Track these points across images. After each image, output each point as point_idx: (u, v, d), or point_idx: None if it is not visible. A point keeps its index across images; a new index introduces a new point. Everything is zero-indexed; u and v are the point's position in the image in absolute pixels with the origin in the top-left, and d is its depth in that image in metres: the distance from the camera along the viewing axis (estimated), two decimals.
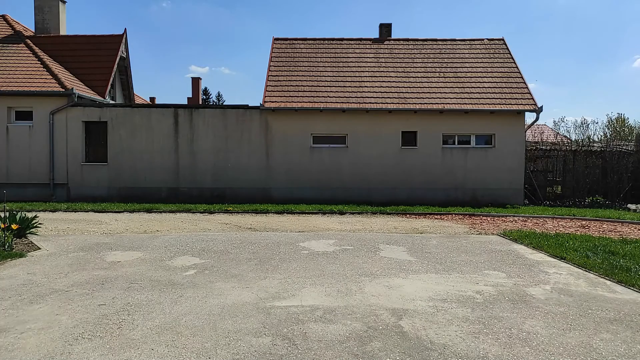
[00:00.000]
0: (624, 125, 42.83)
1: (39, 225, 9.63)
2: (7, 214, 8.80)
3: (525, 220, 13.50)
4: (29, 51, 18.97)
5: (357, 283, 6.27)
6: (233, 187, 17.31)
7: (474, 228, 11.78)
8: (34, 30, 21.48)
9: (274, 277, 6.56)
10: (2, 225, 8.15)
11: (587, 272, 7.05)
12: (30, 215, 9.70)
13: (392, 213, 14.54)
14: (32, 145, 17.06)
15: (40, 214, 12.28)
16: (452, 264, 7.54)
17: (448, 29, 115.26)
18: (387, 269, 7.09)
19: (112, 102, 20.64)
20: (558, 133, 22.04)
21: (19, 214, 9.23)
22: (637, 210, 17.46)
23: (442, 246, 9.11)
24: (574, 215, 14.38)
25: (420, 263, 7.56)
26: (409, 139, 17.56)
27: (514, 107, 17.31)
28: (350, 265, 7.30)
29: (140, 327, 4.56)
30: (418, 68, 19.32)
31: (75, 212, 14.02)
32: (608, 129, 36.31)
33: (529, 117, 19.19)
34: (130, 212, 14.18)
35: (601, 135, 23.71)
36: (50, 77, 17.62)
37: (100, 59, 20.45)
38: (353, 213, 14.45)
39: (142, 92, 57.97)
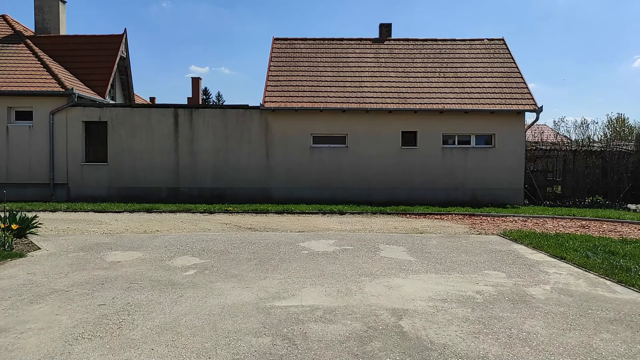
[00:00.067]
0: (624, 125, 42.83)
1: (39, 225, 9.63)
2: (7, 214, 8.81)
3: (525, 220, 13.50)
4: (29, 51, 18.97)
5: (357, 283, 6.27)
6: (233, 187, 17.31)
7: (474, 228, 11.78)
8: (34, 30, 21.48)
9: (274, 277, 6.56)
10: (2, 225, 8.15)
11: (587, 272, 7.05)
12: (30, 215, 9.70)
13: (392, 213, 14.54)
14: (32, 145, 17.06)
15: (40, 214, 12.28)
16: (452, 264, 7.54)
17: (448, 29, 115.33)
18: (387, 269, 7.09)
19: (112, 102, 20.65)
20: (558, 133, 22.04)
21: (19, 214, 9.24)
22: (637, 210, 17.46)
23: (442, 246, 9.11)
24: (574, 215, 14.38)
25: (420, 263, 7.56)
26: (409, 139, 17.56)
27: (514, 107, 17.32)
28: (350, 265, 7.30)
29: (140, 327, 4.56)
30: (418, 68, 19.32)
31: (75, 212, 14.02)
32: (608, 129, 36.30)
33: (529, 117, 19.21)
34: (130, 212, 14.19)
35: (601, 135, 23.71)
36: (50, 77, 17.62)
37: (100, 59, 20.45)
38: (353, 213, 14.45)
39: (142, 92, 57.99)
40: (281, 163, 17.35)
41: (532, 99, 17.66)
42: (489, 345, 4.24)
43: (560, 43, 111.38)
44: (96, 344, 4.14)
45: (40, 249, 8.32)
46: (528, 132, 19.65)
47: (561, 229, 11.69)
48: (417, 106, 17.30)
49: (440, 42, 20.77)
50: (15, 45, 19.30)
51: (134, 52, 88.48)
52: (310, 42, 20.81)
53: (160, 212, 14.22)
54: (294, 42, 20.82)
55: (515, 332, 4.57)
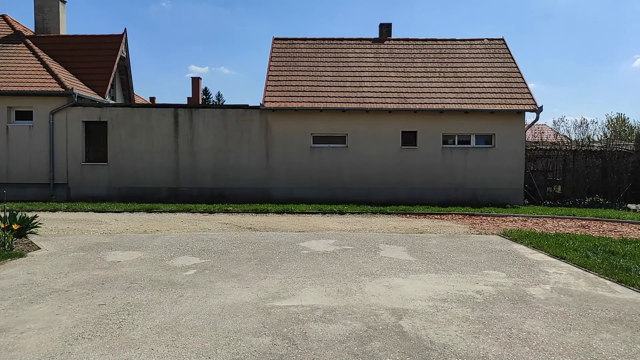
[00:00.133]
0: (624, 125, 42.83)
1: (39, 225, 9.63)
2: (8, 214, 8.81)
3: (525, 220, 13.50)
4: (29, 51, 18.97)
5: (357, 283, 6.28)
6: (233, 187, 17.31)
7: (474, 228, 11.78)
8: (34, 30, 21.48)
9: (274, 277, 6.56)
10: (3, 225, 8.15)
11: (587, 272, 7.05)
12: (30, 215, 9.71)
13: (392, 213, 14.54)
14: (32, 145, 17.06)
15: (40, 214, 12.28)
16: (452, 263, 7.54)
17: (448, 29, 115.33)
18: (387, 269, 7.09)
19: (112, 102, 20.65)
20: (558, 133, 22.04)
21: (19, 213, 9.24)
22: (637, 210, 17.46)
23: (442, 246, 9.11)
24: (574, 215, 14.38)
25: (420, 263, 7.56)
26: (409, 138, 17.56)
27: (514, 107, 17.32)
28: (350, 265, 7.30)
29: (140, 327, 4.56)
30: (418, 68, 19.32)
31: (75, 212, 14.03)
32: (608, 128, 36.34)
33: (529, 117, 19.22)
34: (130, 212, 14.19)
35: (601, 135, 23.72)
36: (50, 77, 17.62)
37: (100, 59, 20.45)
38: (353, 213, 14.45)
39: (142, 92, 57.98)
40: (281, 163, 17.35)
41: (532, 98, 17.66)
42: (489, 345, 4.24)
43: (560, 43, 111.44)
44: (96, 344, 4.14)
45: (40, 248, 8.32)
46: (528, 132, 19.65)
47: (561, 229, 11.69)
48: (417, 106, 17.30)
49: (440, 42, 20.77)
50: (15, 45, 19.30)
51: (134, 52, 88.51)
52: (310, 42, 20.81)
53: (160, 212, 14.22)
54: (294, 42, 20.82)
55: (515, 332, 4.57)
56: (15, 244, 8.36)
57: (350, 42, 20.80)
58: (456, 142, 17.73)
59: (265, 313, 5.01)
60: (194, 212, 14.20)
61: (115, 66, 20.80)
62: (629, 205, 18.98)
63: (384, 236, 10.25)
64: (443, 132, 17.51)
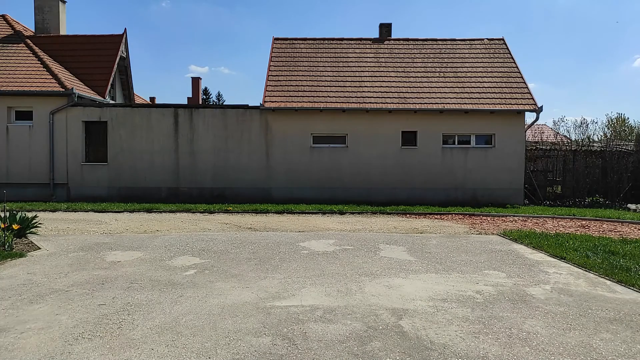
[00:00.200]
0: (624, 125, 42.82)
1: (39, 225, 9.63)
2: (8, 214, 8.80)
3: (525, 220, 13.50)
4: (29, 51, 18.97)
5: (357, 283, 6.27)
6: (233, 187, 17.31)
7: (474, 228, 11.78)
8: (34, 30, 21.48)
9: (274, 277, 6.56)
10: (3, 225, 8.15)
11: (587, 272, 7.05)
12: (30, 215, 9.71)
13: (392, 213, 14.54)
14: (32, 145, 17.06)
15: (40, 214, 12.28)
16: (452, 263, 7.54)
17: (448, 29, 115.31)
18: (387, 269, 7.09)
19: (112, 102, 20.65)
20: (558, 133, 22.04)
21: (19, 213, 9.24)
22: (637, 210, 17.46)
23: (442, 246, 9.11)
24: (574, 215, 14.38)
25: (420, 263, 7.56)
26: (409, 138, 17.56)
27: (514, 107, 17.32)
28: (350, 265, 7.30)
29: (140, 327, 4.56)
30: (418, 68, 19.32)
31: (75, 212, 14.03)
32: (608, 128, 36.35)
33: (529, 117, 19.23)
34: (130, 212, 14.19)
35: (601, 135, 23.75)
36: (50, 77, 17.62)
37: (100, 59, 20.46)
38: (353, 213, 14.45)
39: (142, 92, 57.99)
40: (281, 163, 17.35)
41: (532, 98, 17.66)
42: (489, 345, 4.24)
43: (560, 43, 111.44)
44: (96, 344, 4.14)
45: (40, 248, 8.32)
46: (528, 132, 19.65)
47: (561, 229, 11.69)
48: (417, 106, 17.30)
49: (440, 42, 20.77)
50: (15, 45, 19.30)
51: (134, 52, 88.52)
52: (310, 42, 20.81)
53: (160, 212, 14.22)
54: (294, 42, 20.82)
55: (515, 332, 4.57)
56: (15, 244, 8.37)
57: (350, 42, 20.80)
58: (456, 142, 17.73)
59: (265, 313, 5.01)
60: (194, 212, 14.20)
61: (115, 66, 20.80)
62: (629, 205, 18.98)
63: (384, 236, 10.25)
64: (443, 132, 17.51)
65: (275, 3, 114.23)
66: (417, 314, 5.06)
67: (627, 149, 20.49)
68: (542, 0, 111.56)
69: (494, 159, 17.46)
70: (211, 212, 14.23)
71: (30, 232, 9.30)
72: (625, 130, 40.99)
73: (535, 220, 13.51)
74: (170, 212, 14.24)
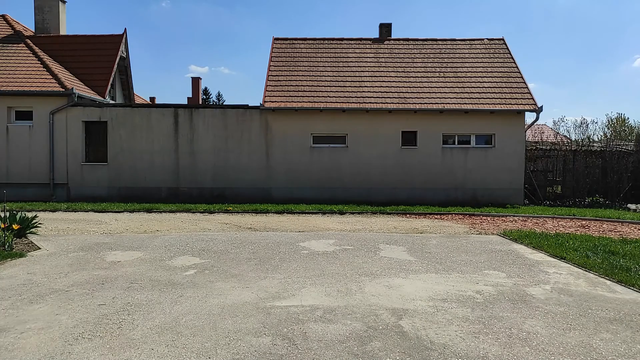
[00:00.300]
0: (624, 125, 42.81)
1: (39, 225, 9.63)
2: (8, 214, 8.80)
3: (525, 220, 13.50)
4: (29, 51, 18.97)
5: (357, 283, 6.27)
6: (233, 187, 17.31)
7: (474, 228, 11.78)
8: (34, 30, 21.48)
9: (274, 277, 6.56)
10: (3, 225, 8.15)
11: (587, 272, 7.05)
12: (30, 215, 9.71)
13: (392, 213, 14.54)
14: (32, 145, 17.06)
15: (40, 214, 12.28)
16: (452, 263, 7.54)
17: (448, 29, 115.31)
18: (387, 269, 7.09)
19: (112, 102, 20.65)
20: (558, 133, 22.05)
21: (19, 213, 9.24)
22: (637, 210, 17.46)
23: (442, 246, 9.11)
24: (574, 215, 14.38)
25: (420, 263, 7.56)
26: (409, 138, 17.56)
27: (514, 107, 17.31)
28: (350, 265, 7.30)
29: (140, 327, 4.56)
30: (418, 68, 19.32)
31: (75, 212, 14.03)
32: (608, 128, 36.34)
33: (529, 117, 19.23)
34: (130, 212, 14.19)
35: (601, 135, 23.75)
36: (50, 77, 17.62)
37: (100, 59, 20.46)
38: (353, 213, 14.45)
39: (142, 92, 57.99)
40: (281, 163, 17.36)
41: (532, 98, 17.66)
42: (489, 345, 4.24)
43: (560, 43, 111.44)
44: (96, 344, 4.14)
45: (40, 248, 8.32)
46: (528, 132, 19.65)
47: (561, 229, 11.69)
48: (417, 106, 17.30)
49: (440, 42, 20.77)
50: (15, 45, 19.30)
51: (134, 52, 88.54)
52: (310, 42, 20.81)
53: (160, 212, 14.22)
54: (294, 42, 20.82)
55: (515, 332, 4.57)
56: (15, 244, 8.36)
57: (350, 42, 20.80)
58: (456, 142, 17.73)
59: (265, 313, 5.01)
60: (194, 212, 14.20)
61: (115, 66, 20.80)
62: (629, 205, 18.98)
63: (384, 236, 10.25)
64: (443, 132, 17.51)
65: (275, 3, 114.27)
66: (417, 314, 5.06)
67: (627, 149, 20.49)
68: (542, 0, 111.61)
69: (494, 159, 17.46)
70: (211, 212, 14.23)
71: (30, 232, 9.30)
72: (625, 130, 40.99)
73: (535, 220, 13.51)
74: (170, 212, 14.24)
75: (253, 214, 14.09)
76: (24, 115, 17.27)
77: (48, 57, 19.15)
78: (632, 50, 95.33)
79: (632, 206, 18.74)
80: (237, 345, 4.14)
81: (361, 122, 17.38)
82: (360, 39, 20.93)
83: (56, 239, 9.39)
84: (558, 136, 21.71)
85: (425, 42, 20.78)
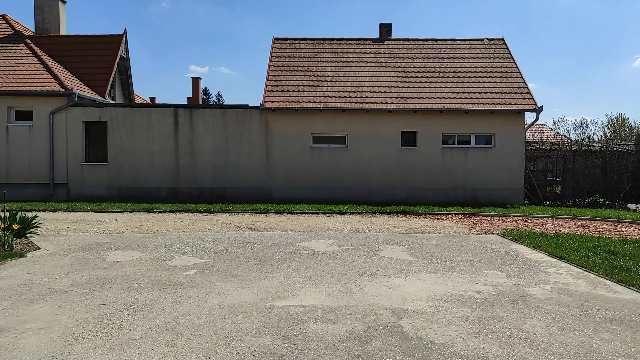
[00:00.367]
0: (624, 125, 42.81)
1: (39, 225, 9.63)
2: (8, 214, 8.80)
3: (525, 220, 13.50)
4: (29, 51, 18.97)
5: (357, 283, 6.27)
6: (233, 187, 17.31)
7: (474, 228, 11.78)
8: (34, 30, 21.48)
9: (274, 277, 6.56)
10: (3, 225, 8.15)
11: (587, 272, 7.05)
12: (30, 215, 9.71)
13: (392, 213, 14.54)
14: (32, 145, 17.06)
15: (40, 214, 12.28)
16: (452, 263, 7.54)
17: (448, 28, 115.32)
18: (387, 269, 7.09)
19: (112, 102, 20.65)
20: (558, 133, 22.05)
21: (19, 213, 9.24)
22: (637, 210, 17.46)
23: (442, 246, 9.11)
24: (574, 215, 14.38)
25: (420, 263, 7.56)
26: (409, 138, 17.56)
27: (514, 107, 17.31)
28: (350, 265, 7.30)
29: (140, 327, 4.56)
30: (418, 68, 19.32)
31: (75, 212, 14.03)
32: (608, 128, 36.34)
33: (529, 117, 19.23)
34: (130, 212, 14.19)
35: (601, 135, 23.76)
36: (50, 77, 17.62)
37: (100, 59, 20.46)
38: (353, 213, 14.45)
39: (142, 92, 57.99)
40: (281, 163, 17.36)
41: (532, 98, 17.66)
42: (489, 345, 4.24)
43: (560, 43, 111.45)
44: (96, 344, 4.14)
45: (40, 248, 8.32)
46: (528, 132, 19.65)
47: (561, 229, 11.69)
48: (417, 106, 17.30)
49: (440, 42, 20.77)
50: (15, 45, 19.30)
51: (134, 52, 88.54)
52: (310, 42, 20.81)
53: (160, 212, 14.22)
54: (294, 42, 20.82)
55: (515, 332, 4.57)
56: (15, 244, 8.36)
57: (350, 42, 20.80)
58: (456, 142, 17.73)
59: (265, 313, 5.01)
60: (194, 212, 14.20)
61: (115, 66, 20.80)
62: (629, 205, 18.98)
63: (384, 236, 10.25)
64: (443, 132, 17.51)
65: (275, 3, 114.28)
66: (417, 314, 5.06)
67: (627, 149, 20.49)
68: (542, 0, 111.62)
69: (494, 159, 17.47)
70: (211, 212, 14.23)
71: (30, 232, 9.30)
72: (625, 130, 40.99)
73: (535, 220, 13.51)
74: (170, 212, 14.24)
75: (253, 214, 14.10)
76: (24, 115, 17.27)
77: (48, 57, 19.15)
78: (632, 50, 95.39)
79: (632, 206, 18.73)
80: (237, 345, 4.14)
81: (361, 122, 17.38)
82: (360, 39, 20.93)
83: (56, 239, 9.39)
84: (558, 136, 21.71)
85: (425, 42, 20.78)
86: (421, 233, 10.83)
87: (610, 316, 5.07)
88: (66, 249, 8.39)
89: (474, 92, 17.99)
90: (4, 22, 20.85)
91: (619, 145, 21.27)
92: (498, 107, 17.24)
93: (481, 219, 13.76)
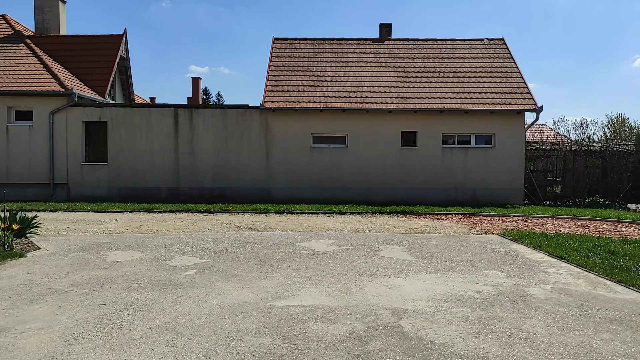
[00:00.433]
0: (624, 125, 42.80)
1: (39, 225, 9.63)
2: (8, 214, 8.80)
3: (525, 220, 13.50)
4: (29, 51, 18.97)
5: (357, 283, 6.27)
6: (233, 187, 17.31)
7: (474, 228, 11.78)
8: (34, 30, 21.48)
9: (274, 277, 6.56)
10: (3, 225, 8.15)
11: (587, 272, 7.05)
12: (30, 215, 9.70)
13: (392, 213, 14.53)
14: (32, 145, 17.06)
15: (40, 214, 12.28)
16: (452, 263, 7.54)
17: (448, 28, 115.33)
18: (387, 269, 7.09)
19: (112, 102, 20.65)
20: (558, 133, 22.05)
21: (19, 213, 9.24)
22: (637, 210, 17.46)
23: (442, 246, 9.11)
24: (574, 215, 14.38)
25: (420, 263, 7.56)
26: (409, 138, 17.56)
27: (514, 107, 17.31)
28: (350, 265, 7.30)
29: (140, 327, 4.56)
30: (418, 68, 19.32)
31: (75, 212, 14.02)
32: (608, 128, 36.33)
33: (529, 117, 19.23)
34: (130, 212, 14.19)
35: (601, 135, 23.76)
36: (50, 77, 17.62)
37: (100, 59, 20.46)
38: (353, 213, 14.45)
39: (142, 92, 58.00)
40: (281, 163, 17.35)
41: (532, 98, 17.66)
42: (489, 345, 4.24)
43: (560, 43, 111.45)
44: (96, 344, 4.14)
45: (40, 248, 8.32)
46: (528, 132, 19.65)
47: (561, 229, 11.68)
48: (417, 106, 17.29)
49: (440, 42, 20.77)
50: (15, 45, 19.30)
51: (134, 52, 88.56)
52: (310, 42, 20.81)
53: (160, 212, 14.22)
54: (294, 42, 20.82)
55: (515, 332, 4.57)
56: (15, 244, 8.36)
57: (350, 42, 20.80)
58: (456, 142, 17.73)
59: (265, 313, 5.00)
60: (194, 212, 14.20)
61: (115, 66, 20.80)
62: (629, 205, 18.98)
63: (384, 236, 10.25)
64: (443, 132, 17.51)
65: (275, 3, 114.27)
66: (417, 314, 5.06)
67: (627, 149, 20.49)
68: (542, 0, 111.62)
69: (494, 159, 17.47)
70: (211, 212, 14.23)
71: (30, 232, 9.30)
72: (625, 130, 40.98)
73: (535, 220, 13.51)
74: (170, 212, 14.24)
75: (253, 214, 14.09)
76: (24, 115, 17.27)
77: (48, 57, 19.15)
78: (632, 50, 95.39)
79: (632, 206, 18.73)
80: (237, 345, 4.14)
81: (361, 122, 17.38)
82: (360, 39, 20.93)
83: (56, 239, 9.39)
84: (558, 136, 21.71)
85: (425, 42, 20.78)
86: (421, 233, 10.83)
87: (610, 316, 5.07)
88: (66, 249, 8.39)
89: (474, 92, 17.99)
90: (4, 22, 20.85)
91: (619, 145, 21.27)
92: (498, 107, 17.24)
93: (481, 219, 13.76)
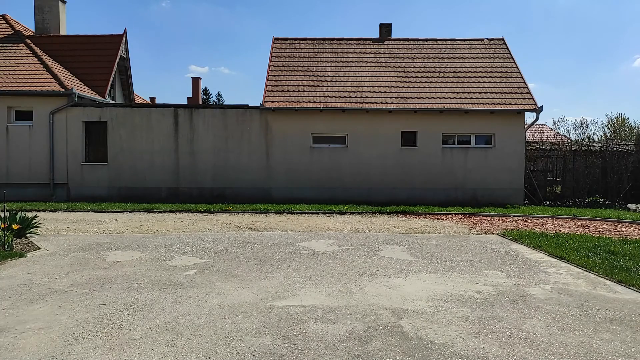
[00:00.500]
0: (624, 125, 42.80)
1: (39, 225, 9.63)
2: (8, 214, 8.80)
3: (525, 220, 13.50)
4: (29, 51, 18.97)
5: (357, 283, 6.27)
6: (233, 187, 17.31)
7: (474, 228, 11.78)
8: (34, 30, 21.48)
9: (274, 277, 6.56)
10: (3, 225, 8.15)
11: (587, 272, 7.05)
12: (30, 215, 9.71)
13: (392, 213, 14.53)
14: (32, 145, 17.06)
15: (40, 214, 12.28)
16: (452, 263, 7.54)
17: (448, 28, 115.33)
18: (387, 269, 7.09)
19: (112, 102, 20.65)
20: (558, 133, 22.05)
21: (19, 213, 9.24)
22: (637, 210, 17.46)
23: (442, 246, 9.11)
24: (574, 215, 14.38)
25: (420, 263, 7.56)
26: (409, 138, 17.56)
27: (514, 107, 17.32)
28: (350, 265, 7.30)
29: (140, 327, 4.56)
30: (418, 68, 19.32)
31: (75, 212, 14.02)
32: (608, 128, 36.36)
33: (529, 117, 19.23)
34: (130, 212, 14.19)
35: (601, 135, 23.76)
36: (50, 77, 17.62)
37: (100, 59, 20.46)
38: (353, 213, 14.45)
39: (142, 92, 58.01)
40: (281, 163, 17.35)
41: (532, 98, 17.66)
42: (489, 345, 4.24)
43: (560, 43, 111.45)
44: (96, 344, 4.14)
45: (40, 248, 8.32)
46: (528, 132, 19.65)
47: (561, 229, 11.68)
48: (417, 106, 17.29)
49: (440, 42, 20.77)
50: (15, 45, 19.30)
51: (134, 52, 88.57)
52: (310, 42, 20.81)
53: (160, 212, 14.22)
54: (294, 42, 20.82)
55: (515, 332, 4.57)
56: (15, 244, 8.36)
57: (350, 42, 20.80)
58: (456, 142, 17.73)
59: (265, 313, 5.01)
60: (194, 212, 14.20)
61: (115, 66, 20.80)
62: (629, 205, 18.97)
63: (384, 236, 10.25)
64: (443, 132, 17.51)
65: (275, 3, 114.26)
66: (417, 314, 5.06)
67: (627, 149, 20.49)
68: (542, 0, 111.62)
69: (494, 159, 17.47)
70: (211, 212, 14.23)
71: (30, 232, 9.30)
72: (625, 130, 40.98)
73: (535, 220, 13.51)
74: (170, 212, 14.24)
75: (253, 214, 14.10)
76: (24, 115, 17.27)
77: (48, 57, 19.15)
78: (632, 50, 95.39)
79: (632, 206, 18.73)
80: (237, 345, 4.14)
81: (361, 122, 17.38)
82: (360, 39, 20.93)
83: (56, 239, 9.39)
84: (558, 136, 21.70)
85: (425, 42, 20.78)
86: (421, 233, 10.83)
87: (610, 316, 5.07)
88: (66, 249, 8.39)
89: (474, 92, 17.99)
90: (4, 22, 20.85)
91: (619, 145, 21.27)
92: (498, 107, 17.25)
93: (481, 219, 13.76)
